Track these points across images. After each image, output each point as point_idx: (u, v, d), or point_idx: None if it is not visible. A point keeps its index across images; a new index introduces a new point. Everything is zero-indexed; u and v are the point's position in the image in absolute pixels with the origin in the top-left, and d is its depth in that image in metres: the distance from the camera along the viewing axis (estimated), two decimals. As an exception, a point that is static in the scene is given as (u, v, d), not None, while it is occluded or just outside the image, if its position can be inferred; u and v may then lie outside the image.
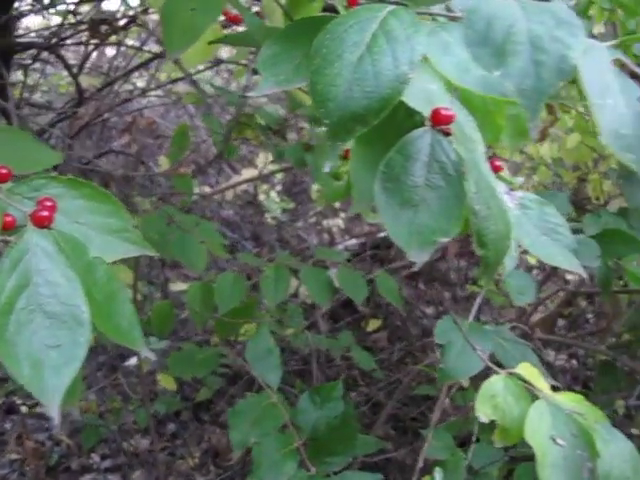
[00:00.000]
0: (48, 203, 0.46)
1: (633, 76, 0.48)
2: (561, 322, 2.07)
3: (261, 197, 1.86)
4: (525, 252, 0.64)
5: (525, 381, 0.54)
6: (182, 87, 2.41)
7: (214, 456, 1.66)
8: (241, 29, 0.74)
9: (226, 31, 0.76)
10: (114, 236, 0.49)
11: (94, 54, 2.83)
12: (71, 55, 2.67)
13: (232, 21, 0.66)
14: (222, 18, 0.77)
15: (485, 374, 0.69)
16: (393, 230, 0.41)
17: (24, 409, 1.63)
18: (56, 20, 1.69)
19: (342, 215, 1.96)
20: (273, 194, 1.85)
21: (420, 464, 0.78)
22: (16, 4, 1.37)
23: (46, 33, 1.44)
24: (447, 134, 0.48)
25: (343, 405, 0.85)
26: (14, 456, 1.53)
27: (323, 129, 0.40)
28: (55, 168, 1.59)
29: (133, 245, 0.50)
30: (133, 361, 1.64)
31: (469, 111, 0.52)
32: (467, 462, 1.06)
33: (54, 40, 1.31)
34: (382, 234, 1.86)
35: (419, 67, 0.45)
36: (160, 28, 0.61)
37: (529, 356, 0.77)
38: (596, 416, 0.50)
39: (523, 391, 0.52)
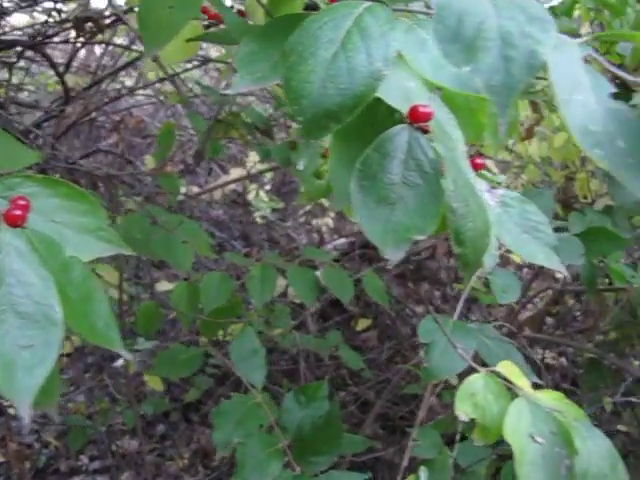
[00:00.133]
0: (21, 202, 0.46)
1: (615, 78, 0.48)
2: (551, 320, 2.08)
3: (250, 197, 1.86)
4: (511, 251, 0.64)
5: (506, 379, 0.54)
6: (171, 86, 2.40)
7: (203, 457, 1.65)
8: (223, 27, 0.74)
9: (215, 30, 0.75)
10: (90, 235, 0.49)
11: (83, 53, 2.81)
12: (59, 54, 2.65)
13: (213, 19, 0.66)
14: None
15: (472, 372, 0.69)
16: (369, 228, 0.41)
17: (12, 411, 1.62)
18: (43, 18, 1.68)
19: (331, 214, 1.96)
20: (262, 194, 1.84)
21: (405, 463, 0.78)
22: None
23: (30, 31, 1.43)
24: (425, 131, 0.48)
25: (328, 405, 0.85)
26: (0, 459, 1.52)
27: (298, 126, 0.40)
28: (42, 169, 1.58)
29: (109, 244, 0.49)
30: (121, 362, 1.63)
31: (451, 109, 0.52)
32: (454, 460, 1.07)
33: (39, 38, 1.30)
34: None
35: (397, 64, 0.45)
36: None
37: (513, 354, 0.77)
38: (575, 414, 0.50)
39: (503, 389, 0.52)
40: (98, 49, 2.53)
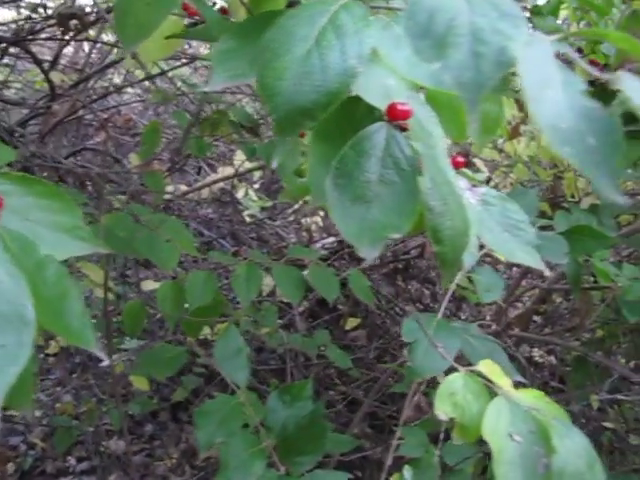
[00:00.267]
0: (-6, 200, 0.45)
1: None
2: (540, 319, 2.09)
3: (239, 195, 1.85)
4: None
5: (486, 378, 0.54)
6: (160, 84, 2.38)
7: (191, 456, 1.64)
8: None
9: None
10: (65, 234, 0.48)
11: (71, 50, 2.79)
12: (47, 51, 2.62)
13: (193, 15, 0.65)
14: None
15: (456, 371, 0.69)
16: (344, 226, 0.40)
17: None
18: (29, 14, 1.66)
19: (321, 213, 1.96)
20: (251, 192, 1.84)
21: (389, 462, 0.78)
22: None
23: (15, 27, 1.42)
24: (404, 129, 0.48)
25: (313, 404, 0.84)
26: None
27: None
28: (27, 168, 1.57)
29: (84, 243, 0.49)
30: (107, 361, 1.62)
31: (434, 107, 0.52)
32: (441, 459, 1.07)
33: (23, 34, 1.29)
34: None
35: (376, 62, 0.45)
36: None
37: (497, 353, 0.77)
38: (554, 412, 0.49)
39: (483, 388, 0.52)
40: (87, 46, 2.51)
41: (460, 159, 0.60)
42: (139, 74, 2.13)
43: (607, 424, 1.57)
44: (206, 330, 1.46)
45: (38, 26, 1.41)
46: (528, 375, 1.86)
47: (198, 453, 1.71)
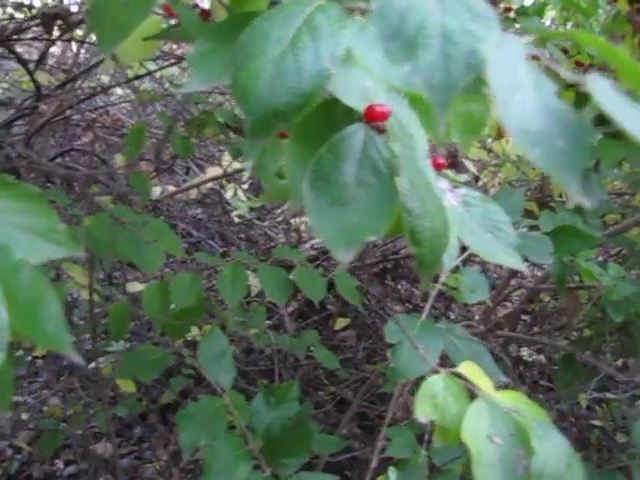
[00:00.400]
0: (-33, 203, 0.44)
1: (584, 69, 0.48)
2: (529, 318, 2.10)
3: (228, 195, 1.84)
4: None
5: (467, 380, 0.54)
6: (148, 85, 2.37)
7: (179, 459, 1.63)
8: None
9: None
10: (40, 237, 0.47)
11: (59, 51, 2.77)
12: (35, 51, 2.60)
13: (173, 16, 0.65)
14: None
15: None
16: (320, 229, 0.40)
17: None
18: (17, 15, 1.65)
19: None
20: (240, 193, 1.83)
21: (374, 464, 0.78)
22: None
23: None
24: (382, 131, 0.48)
25: (298, 406, 0.84)
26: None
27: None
28: (14, 169, 1.55)
29: (60, 246, 0.48)
30: (94, 364, 1.61)
31: (416, 108, 0.52)
32: (429, 459, 1.07)
33: (7, 34, 1.27)
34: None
35: (353, 63, 0.45)
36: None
37: (482, 354, 0.77)
38: (534, 413, 0.49)
39: (463, 390, 0.52)
40: (75, 47, 2.50)
41: (441, 160, 0.60)
42: (128, 74, 2.12)
43: (596, 422, 1.58)
44: (195, 331, 1.45)
45: (24, 25, 1.40)
46: (517, 374, 1.87)
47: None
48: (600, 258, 1.84)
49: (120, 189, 1.12)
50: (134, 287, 1.12)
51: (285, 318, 1.63)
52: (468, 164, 1.86)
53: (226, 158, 1.78)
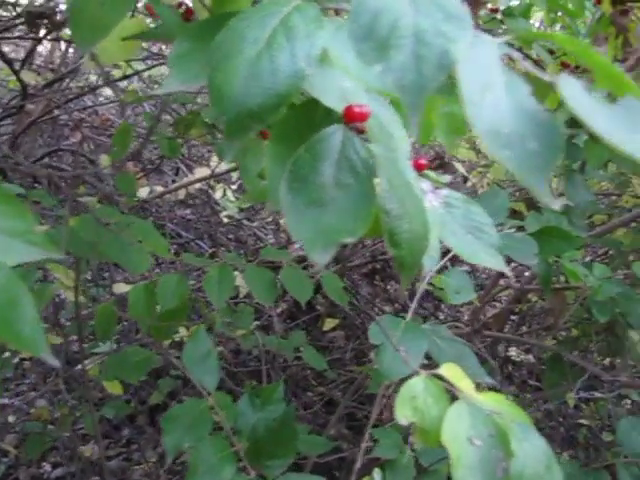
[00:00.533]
0: (-59, 205, 0.44)
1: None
2: (518, 318, 2.10)
3: (217, 196, 1.84)
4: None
5: (448, 382, 0.54)
6: (136, 85, 2.36)
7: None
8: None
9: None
10: (16, 239, 0.47)
11: (47, 50, 2.75)
12: (22, 50, 2.58)
13: (154, 16, 0.64)
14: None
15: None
16: (296, 231, 0.40)
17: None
18: (1, 13, 1.63)
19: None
20: (229, 193, 1.82)
21: (358, 465, 0.78)
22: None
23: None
24: (362, 131, 0.47)
25: (284, 407, 0.84)
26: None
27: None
28: (1, 170, 1.53)
29: (37, 248, 0.47)
30: (80, 365, 1.60)
31: (398, 109, 0.52)
32: (416, 460, 1.07)
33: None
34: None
35: (331, 64, 0.44)
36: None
37: (466, 355, 0.77)
38: (514, 415, 0.49)
39: (443, 392, 0.52)
40: (63, 46, 2.48)
41: (423, 161, 0.60)
42: (116, 74, 2.11)
43: (583, 421, 1.59)
44: (183, 332, 1.45)
45: (9, 24, 1.39)
46: (506, 374, 1.88)
47: (175, 457, 1.69)
48: (588, 258, 1.85)
49: (106, 190, 1.11)
50: (121, 288, 1.11)
51: (274, 319, 1.63)
52: (457, 165, 1.86)
53: (215, 158, 1.77)
